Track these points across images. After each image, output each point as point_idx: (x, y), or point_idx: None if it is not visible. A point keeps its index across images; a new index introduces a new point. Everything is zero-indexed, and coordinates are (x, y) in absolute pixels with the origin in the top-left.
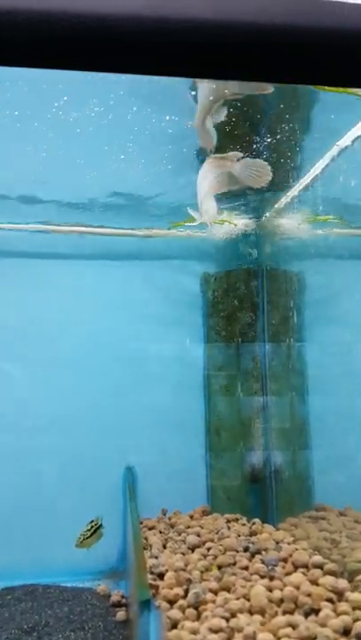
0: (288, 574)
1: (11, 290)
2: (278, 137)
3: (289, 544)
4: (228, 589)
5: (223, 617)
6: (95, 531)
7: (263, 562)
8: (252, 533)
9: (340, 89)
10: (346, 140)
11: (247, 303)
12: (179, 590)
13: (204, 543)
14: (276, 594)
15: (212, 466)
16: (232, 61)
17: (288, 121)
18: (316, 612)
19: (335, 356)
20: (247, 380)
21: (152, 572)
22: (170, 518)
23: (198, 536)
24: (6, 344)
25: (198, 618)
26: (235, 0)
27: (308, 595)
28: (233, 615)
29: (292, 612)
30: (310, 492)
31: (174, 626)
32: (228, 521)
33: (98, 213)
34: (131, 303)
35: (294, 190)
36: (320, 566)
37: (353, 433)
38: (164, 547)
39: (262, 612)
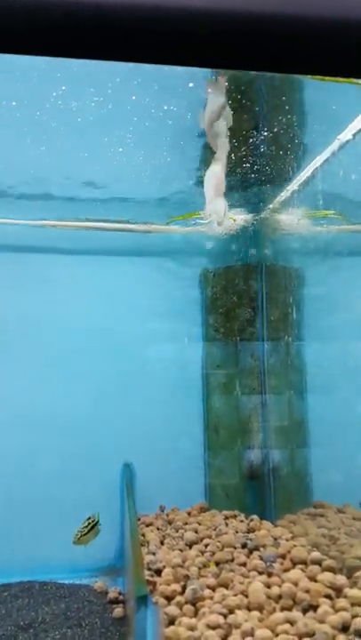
0: (286, 571)
1: (10, 287)
2: (276, 130)
3: (287, 540)
4: (225, 586)
5: (221, 613)
6: (92, 527)
7: (261, 558)
8: (250, 530)
9: (341, 79)
10: (347, 134)
11: (246, 299)
12: (176, 587)
13: (201, 539)
14: (275, 590)
15: (211, 463)
16: (226, 50)
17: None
18: (315, 608)
19: (334, 354)
20: (246, 377)
21: (150, 569)
22: (168, 515)
23: (196, 532)
24: (4, 342)
25: (196, 614)
26: None
27: (307, 591)
28: (231, 611)
29: (290, 609)
30: (309, 490)
31: (172, 622)
32: (226, 517)
33: (95, 208)
34: (129, 299)
35: (294, 185)
36: (319, 563)
37: (351, 430)
38: (162, 543)
39: (260, 609)
